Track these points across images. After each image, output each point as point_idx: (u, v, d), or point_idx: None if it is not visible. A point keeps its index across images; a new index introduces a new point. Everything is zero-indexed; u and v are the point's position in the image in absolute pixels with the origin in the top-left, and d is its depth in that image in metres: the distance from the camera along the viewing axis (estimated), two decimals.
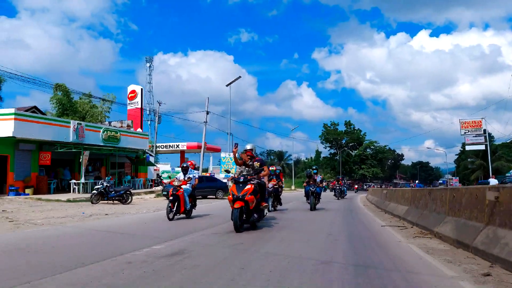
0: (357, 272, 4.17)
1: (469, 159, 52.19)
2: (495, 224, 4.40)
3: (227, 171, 11.59)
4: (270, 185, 12.80)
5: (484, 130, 38.45)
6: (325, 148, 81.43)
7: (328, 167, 77.08)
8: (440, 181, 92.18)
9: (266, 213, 8.79)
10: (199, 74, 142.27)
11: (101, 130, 24.61)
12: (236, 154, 8.81)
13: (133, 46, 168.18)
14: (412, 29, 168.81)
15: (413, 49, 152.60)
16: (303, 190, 15.87)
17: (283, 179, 16.84)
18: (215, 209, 13.80)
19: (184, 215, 10.60)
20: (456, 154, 76.90)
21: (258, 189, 7.98)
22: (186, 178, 10.60)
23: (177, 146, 45.96)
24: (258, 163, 8.59)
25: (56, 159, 21.83)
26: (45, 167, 21.56)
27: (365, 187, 66.33)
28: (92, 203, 16.22)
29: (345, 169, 75.13)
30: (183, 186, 10.34)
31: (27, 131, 19.36)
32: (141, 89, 35.87)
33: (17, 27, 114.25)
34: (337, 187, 25.34)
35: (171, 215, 9.92)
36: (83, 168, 21.31)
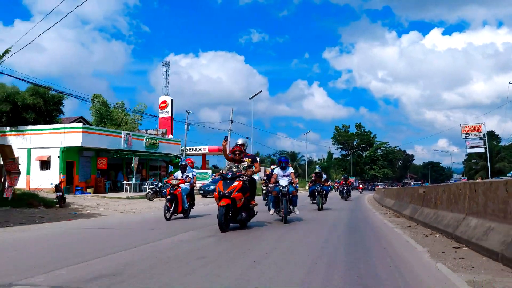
0: (350, 230, 8.12)
1: (473, 160, 55.39)
2: (423, 206, 8.29)
3: (215, 167, 11.86)
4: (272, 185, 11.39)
5: (484, 134, 41.72)
6: (337, 149, 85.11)
7: (340, 167, 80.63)
8: (451, 181, 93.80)
9: (256, 212, 8.35)
10: (210, 75, 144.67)
11: (144, 138, 28.92)
12: (227, 148, 8.49)
13: (145, 48, 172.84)
14: (424, 28, 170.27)
15: (425, 47, 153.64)
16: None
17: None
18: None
19: (182, 215, 10.37)
20: (466, 155, 79.36)
21: (248, 186, 7.76)
22: (184, 177, 10.35)
23: (200, 149, 50.39)
24: (249, 159, 8.26)
25: (108, 163, 26.15)
26: (100, 171, 25.90)
27: (369, 187, 68.81)
28: (149, 199, 20.38)
29: (356, 169, 78.68)
30: (181, 185, 10.09)
31: (90, 141, 23.66)
32: (171, 99, 40.15)
33: (31, 30, 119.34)
34: (345, 187, 24.48)
35: (168, 215, 9.74)
36: (134, 171, 25.60)
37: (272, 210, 9.23)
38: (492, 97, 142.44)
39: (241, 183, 7.41)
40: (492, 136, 76.97)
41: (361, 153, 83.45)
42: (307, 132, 73.11)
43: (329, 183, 19.83)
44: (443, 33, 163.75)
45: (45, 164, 23.45)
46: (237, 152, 8.09)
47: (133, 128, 39.77)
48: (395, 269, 4.07)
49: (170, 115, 38.67)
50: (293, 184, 9.42)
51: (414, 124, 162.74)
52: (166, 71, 66.24)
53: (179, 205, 9.92)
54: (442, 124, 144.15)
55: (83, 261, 4.50)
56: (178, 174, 10.51)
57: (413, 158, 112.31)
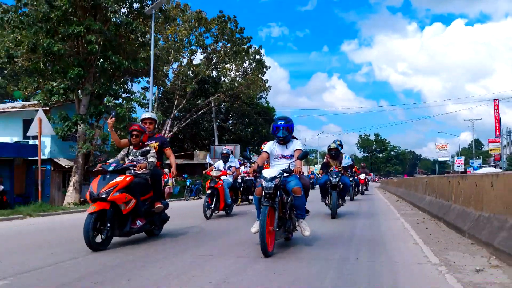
0: (367, 208, 11.68)
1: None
2: (425, 194, 10.74)
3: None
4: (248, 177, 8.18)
5: (450, 152, 68.87)
6: (360, 152, 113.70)
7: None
8: None
9: (168, 216, 6.03)
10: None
11: None
12: (113, 129, 5.54)
13: None
14: (445, 20, 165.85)
15: (447, 39, 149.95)
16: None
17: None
18: None
19: (223, 212, 8.62)
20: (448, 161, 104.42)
21: (148, 183, 5.30)
22: (226, 168, 8.89)
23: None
24: (157, 143, 5.67)
25: None
26: None
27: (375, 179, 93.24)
28: None
29: (374, 167, 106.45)
30: (222, 177, 8.45)
31: None
32: None
33: None
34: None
35: (208, 213, 7.95)
36: None
37: (255, 225, 4.67)
38: None
39: (128, 178, 4.89)
40: (476, 142, 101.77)
41: (378, 155, 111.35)
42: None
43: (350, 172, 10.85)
44: (466, 24, 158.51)
45: None
46: (134, 134, 5.30)
47: None
48: None
49: None
50: (298, 173, 4.74)
51: (436, 117, 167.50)
52: None
53: (221, 201, 8.17)
54: (465, 116, 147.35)
55: None
56: (220, 164, 9.01)
57: (420, 156, 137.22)
